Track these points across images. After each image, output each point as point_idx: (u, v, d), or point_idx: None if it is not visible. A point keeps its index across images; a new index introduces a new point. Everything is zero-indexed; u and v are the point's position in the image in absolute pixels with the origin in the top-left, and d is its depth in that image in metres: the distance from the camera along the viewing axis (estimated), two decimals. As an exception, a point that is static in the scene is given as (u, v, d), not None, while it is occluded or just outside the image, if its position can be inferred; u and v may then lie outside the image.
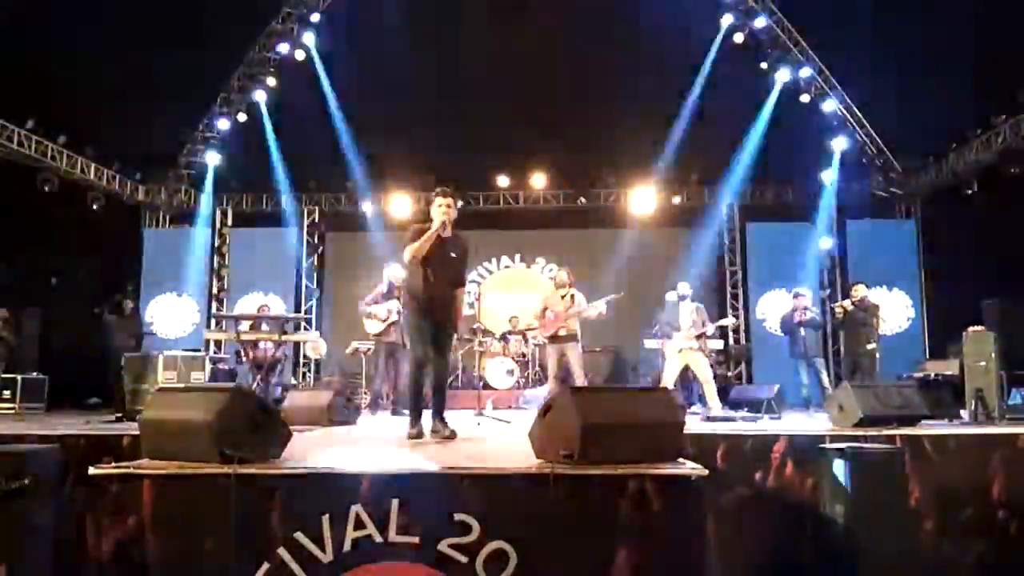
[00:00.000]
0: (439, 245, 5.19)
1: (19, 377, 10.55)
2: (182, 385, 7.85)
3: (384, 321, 8.42)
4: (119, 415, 7.81)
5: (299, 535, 3.00)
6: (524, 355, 12.37)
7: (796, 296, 9.70)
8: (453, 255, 5.27)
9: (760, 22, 13.93)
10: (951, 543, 4.68)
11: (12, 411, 10.11)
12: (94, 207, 13.45)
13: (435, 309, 5.19)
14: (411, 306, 5.27)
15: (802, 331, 9.30)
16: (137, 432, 3.77)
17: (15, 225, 11.72)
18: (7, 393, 10.32)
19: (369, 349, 8.73)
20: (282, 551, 2.98)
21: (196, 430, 3.20)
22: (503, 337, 12.54)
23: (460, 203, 5.46)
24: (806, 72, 14.05)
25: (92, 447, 4.85)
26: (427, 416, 5.21)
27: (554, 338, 8.06)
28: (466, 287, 5.53)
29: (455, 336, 5.58)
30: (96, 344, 10.25)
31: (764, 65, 14.07)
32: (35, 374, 10.99)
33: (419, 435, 4.95)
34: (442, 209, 5.17)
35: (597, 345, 12.54)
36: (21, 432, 5.47)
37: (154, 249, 14.83)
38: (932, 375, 8.35)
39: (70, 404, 11.50)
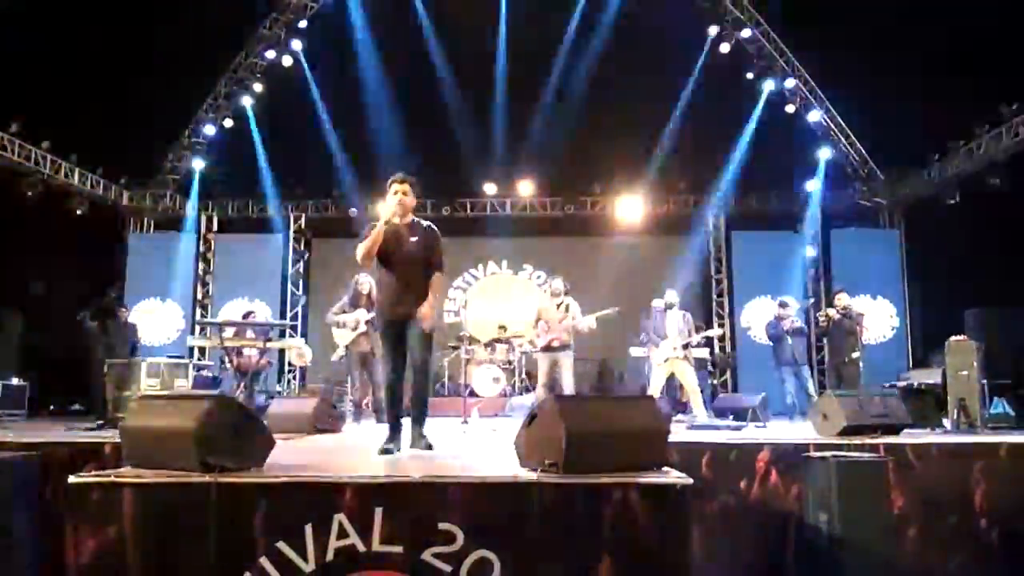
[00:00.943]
0: (399, 237, 4.75)
1: (-1, 383, 10.45)
2: (165, 392, 7.80)
3: (353, 330, 8.36)
4: (101, 422, 7.75)
5: (281, 544, 2.97)
6: (510, 363, 12.36)
7: (782, 305, 9.75)
8: (414, 240, 4.78)
9: (746, 33, 14.05)
10: (933, 551, 4.70)
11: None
12: (78, 212, 13.37)
13: (406, 310, 4.71)
14: (380, 309, 4.88)
15: (790, 339, 9.36)
16: (119, 440, 3.73)
17: (-2, 229, 11.63)
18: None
19: (342, 358, 8.67)
20: (264, 561, 2.96)
21: (178, 438, 3.17)
22: (489, 344, 12.53)
23: (417, 195, 4.89)
24: (791, 83, 14.19)
25: (73, 455, 4.80)
26: (407, 426, 4.84)
27: (547, 348, 8.04)
28: (442, 271, 4.91)
29: (432, 335, 4.87)
30: (78, 350, 10.16)
31: (750, 75, 14.19)
32: (16, 380, 10.87)
33: (389, 451, 4.48)
34: (397, 197, 4.74)
35: (584, 353, 12.53)
36: (1, 440, 5.40)
37: (138, 255, 14.73)
38: (915, 384, 8.41)
39: (51, 410, 11.40)
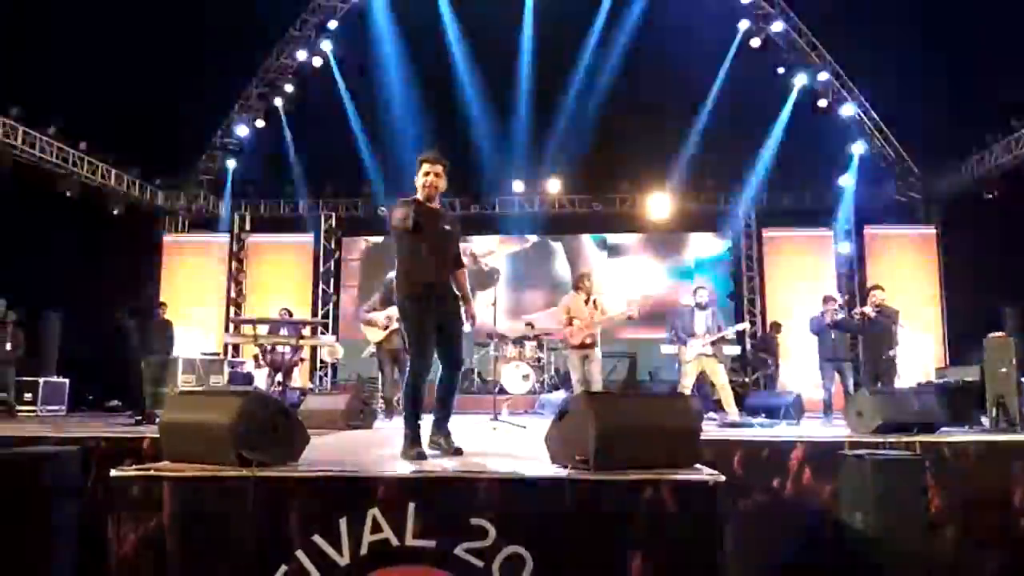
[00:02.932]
0: (433, 218, 4.41)
1: (40, 380, 10.69)
2: (201, 388, 7.94)
3: (385, 328, 8.39)
4: (139, 418, 7.91)
5: (317, 538, 3.01)
6: (540, 360, 12.35)
7: (827, 300, 9.56)
8: (448, 228, 4.50)
9: (777, 26, 13.87)
10: (972, 551, 4.63)
11: (34, 413, 10.25)
12: (115, 212, 13.63)
13: (440, 294, 4.38)
14: (410, 294, 4.34)
15: (833, 334, 9.10)
16: (157, 435, 3.81)
17: (37, 230, 11.88)
18: (28, 396, 10.46)
19: (373, 355, 8.72)
20: (300, 553, 3.00)
21: (215, 433, 3.23)
22: (518, 342, 12.54)
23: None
24: (824, 76, 13.98)
25: (113, 449, 4.91)
26: (426, 424, 4.39)
27: (581, 345, 8.00)
28: (463, 267, 4.67)
29: (470, 327, 4.54)
30: (116, 348, 10.36)
31: (781, 70, 14.01)
32: (56, 377, 11.13)
33: (420, 456, 4.04)
34: (429, 178, 4.42)
35: (613, 350, 12.50)
36: (43, 434, 5.54)
37: (173, 254, 14.97)
38: (953, 382, 8.25)
39: (90, 407, 11.65)
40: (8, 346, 9.79)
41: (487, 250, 15.14)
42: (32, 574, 4.08)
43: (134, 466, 3.37)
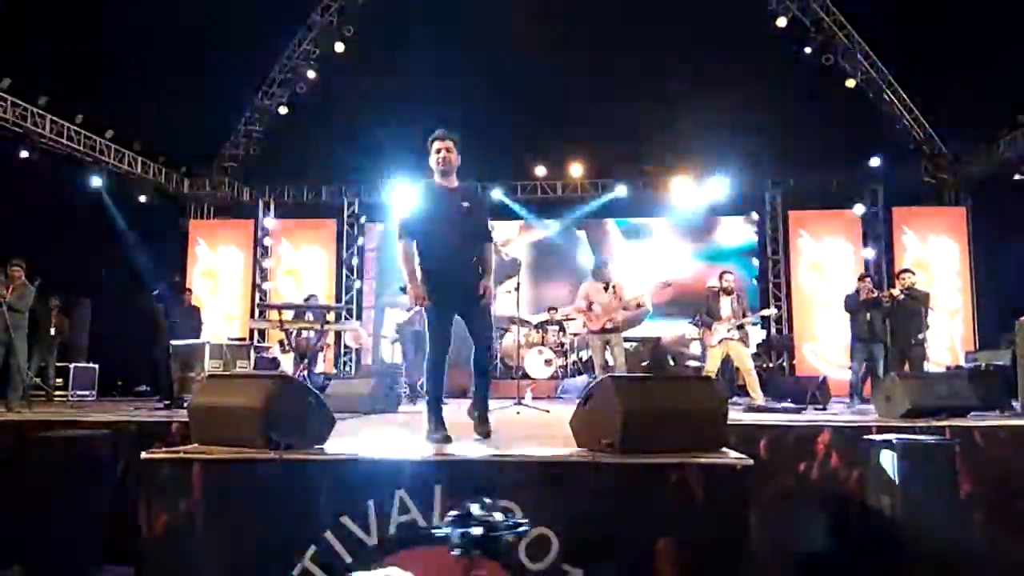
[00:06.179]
0: (449, 197, 4.41)
1: (71, 366, 10.89)
2: (231, 372, 8.03)
3: (409, 310, 8.43)
4: (167, 402, 8.02)
5: (345, 519, 3.05)
6: (562, 345, 12.35)
7: (862, 277, 9.41)
8: (466, 205, 4.43)
9: (804, 5, 13.63)
10: (1003, 536, 4.57)
11: (64, 398, 10.45)
12: (141, 200, 13.79)
13: (458, 276, 4.31)
14: (426, 278, 4.31)
15: (868, 314, 8.90)
16: (185, 419, 3.86)
17: (66, 217, 12.04)
18: (59, 380, 10.67)
19: (395, 341, 8.78)
20: (329, 535, 3.04)
21: (245, 416, 3.27)
22: (540, 327, 12.54)
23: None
24: (852, 57, 13.73)
25: (142, 433, 4.99)
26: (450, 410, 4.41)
27: (601, 330, 8.00)
28: (491, 240, 4.58)
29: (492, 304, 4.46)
30: (143, 334, 10.50)
31: (809, 49, 13.78)
32: (86, 363, 11.32)
33: (445, 440, 4.02)
34: (441, 154, 4.43)
35: (637, 335, 12.45)
36: (74, 419, 5.64)
37: (199, 241, 15.12)
38: (983, 365, 8.12)
39: (118, 392, 11.84)
40: (53, 331, 10.06)
41: (506, 238, 15.08)
42: (62, 554, 4.17)
43: (165, 449, 3.42)
